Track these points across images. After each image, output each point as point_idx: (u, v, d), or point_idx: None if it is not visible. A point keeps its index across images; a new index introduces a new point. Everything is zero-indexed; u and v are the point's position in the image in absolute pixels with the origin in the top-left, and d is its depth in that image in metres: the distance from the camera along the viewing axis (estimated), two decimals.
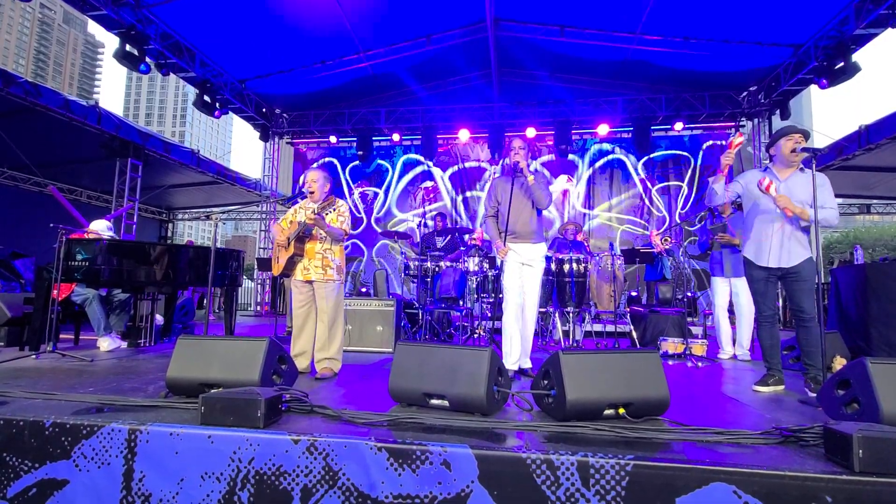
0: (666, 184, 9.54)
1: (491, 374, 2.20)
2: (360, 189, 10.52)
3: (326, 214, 3.34)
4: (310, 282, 3.33)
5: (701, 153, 9.47)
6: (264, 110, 10.19)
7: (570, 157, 9.77)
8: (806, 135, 3.01)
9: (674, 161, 9.56)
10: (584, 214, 9.69)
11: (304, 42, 8.10)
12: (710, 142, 9.49)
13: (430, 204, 10.18)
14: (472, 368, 2.20)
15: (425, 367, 2.32)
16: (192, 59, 7.90)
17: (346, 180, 10.54)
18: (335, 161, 10.68)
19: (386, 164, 10.52)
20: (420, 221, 6.89)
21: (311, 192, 3.39)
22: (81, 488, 1.92)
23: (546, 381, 2.29)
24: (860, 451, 1.51)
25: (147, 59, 7.04)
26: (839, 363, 3.52)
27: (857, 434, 1.53)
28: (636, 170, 9.64)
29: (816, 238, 2.75)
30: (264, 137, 10.60)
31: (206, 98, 8.29)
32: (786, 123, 8.94)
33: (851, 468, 1.53)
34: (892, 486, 1.47)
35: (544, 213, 3.71)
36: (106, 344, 4.34)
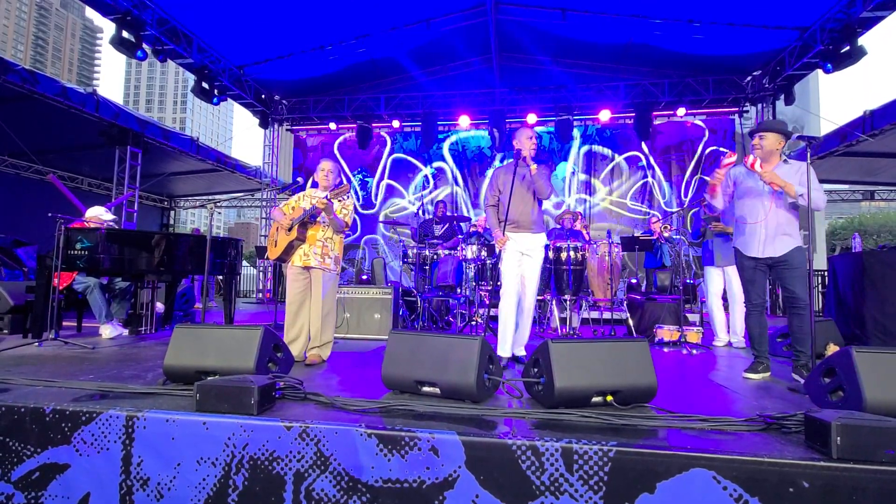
0: (667, 170, 9.48)
1: (481, 363, 2.23)
2: (360, 176, 10.49)
3: (336, 202, 3.38)
4: (307, 268, 3.37)
5: (703, 139, 9.39)
6: (263, 97, 10.13)
7: (572, 142, 9.71)
8: (777, 131, 2.99)
9: (675, 147, 9.48)
10: (585, 200, 9.65)
11: (302, 26, 8.01)
12: (713, 127, 9.40)
13: (430, 191, 10.15)
14: (463, 356, 2.24)
15: (417, 355, 2.35)
16: (189, 44, 7.83)
17: (344, 168, 10.51)
18: (335, 149, 10.63)
19: (384, 151, 10.47)
20: (420, 206, 6.88)
21: (325, 180, 3.42)
22: (82, 472, 1.98)
23: (536, 369, 2.33)
24: (838, 439, 1.54)
25: (144, 46, 6.99)
26: (832, 350, 3.54)
27: (836, 422, 1.55)
28: (637, 156, 9.57)
29: (810, 224, 2.74)
30: (263, 124, 10.56)
31: (205, 84, 8.25)
32: (790, 109, 8.82)
33: (830, 455, 1.56)
34: (867, 473, 1.50)
35: (545, 202, 3.71)
36: (108, 331, 4.41)
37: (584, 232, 6.16)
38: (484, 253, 5.15)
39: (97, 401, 2.12)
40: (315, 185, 3.55)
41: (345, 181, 3.45)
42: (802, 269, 2.93)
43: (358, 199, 10.36)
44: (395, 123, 10.01)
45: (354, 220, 10.11)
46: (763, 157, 3.04)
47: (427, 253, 5.37)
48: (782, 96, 8.51)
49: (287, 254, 3.38)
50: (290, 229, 3.33)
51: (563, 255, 5.04)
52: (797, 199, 2.88)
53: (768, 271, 3.08)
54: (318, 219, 3.37)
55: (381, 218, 10.19)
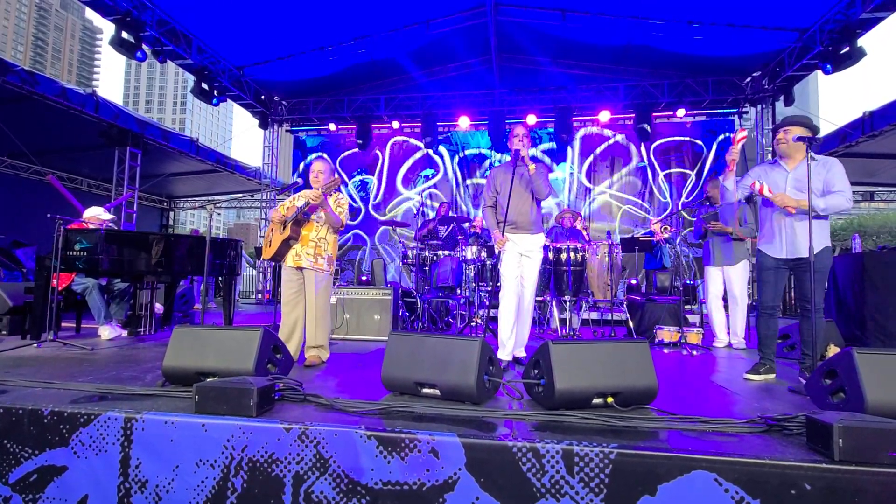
0: (668, 171, 9.48)
1: (481, 364, 2.22)
2: (358, 177, 10.48)
3: (329, 197, 3.38)
4: (300, 269, 3.37)
5: (703, 140, 9.39)
6: (263, 97, 10.12)
7: (571, 143, 9.71)
8: (803, 125, 2.96)
9: (675, 148, 9.48)
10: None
11: (302, 27, 8.00)
12: (713, 127, 9.41)
13: (429, 192, 10.15)
14: (463, 358, 2.23)
15: (417, 357, 2.34)
16: (189, 45, 7.83)
17: (339, 170, 10.45)
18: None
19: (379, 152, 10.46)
20: (419, 208, 6.85)
21: (316, 182, 3.40)
22: (80, 474, 1.97)
23: (536, 371, 2.32)
24: (840, 441, 1.53)
25: (143, 47, 6.99)
26: (833, 352, 3.53)
27: (838, 424, 1.55)
28: (637, 157, 9.57)
29: (810, 226, 2.73)
30: (263, 125, 10.55)
31: (204, 85, 8.24)
32: (790, 110, 8.85)
33: (832, 457, 1.55)
34: (869, 475, 1.50)
35: (544, 203, 3.70)
36: (106, 332, 4.39)
37: (584, 232, 6.15)
38: (484, 254, 5.15)
39: (96, 402, 2.12)
40: (310, 187, 3.55)
41: (336, 179, 3.44)
42: (823, 272, 2.87)
43: (355, 203, 10.33)
44: (395, 124, 10.01)
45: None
46: (787, 152, 3.00)
47: (427, 254, 5.36)
48: (782, 97, 8.52)
49: (281, 253, 3.38)
50: (284, 227, 3.32)
51: (563, 256, 5.03)
52: (818, 211, 2.77)
53: (788, 273, 3.05)
54: (312, 216, 3.37)
55: (380, 218, 10.18)
